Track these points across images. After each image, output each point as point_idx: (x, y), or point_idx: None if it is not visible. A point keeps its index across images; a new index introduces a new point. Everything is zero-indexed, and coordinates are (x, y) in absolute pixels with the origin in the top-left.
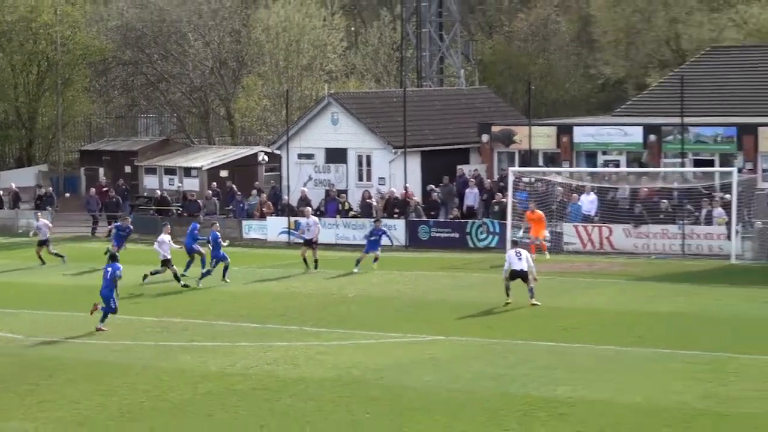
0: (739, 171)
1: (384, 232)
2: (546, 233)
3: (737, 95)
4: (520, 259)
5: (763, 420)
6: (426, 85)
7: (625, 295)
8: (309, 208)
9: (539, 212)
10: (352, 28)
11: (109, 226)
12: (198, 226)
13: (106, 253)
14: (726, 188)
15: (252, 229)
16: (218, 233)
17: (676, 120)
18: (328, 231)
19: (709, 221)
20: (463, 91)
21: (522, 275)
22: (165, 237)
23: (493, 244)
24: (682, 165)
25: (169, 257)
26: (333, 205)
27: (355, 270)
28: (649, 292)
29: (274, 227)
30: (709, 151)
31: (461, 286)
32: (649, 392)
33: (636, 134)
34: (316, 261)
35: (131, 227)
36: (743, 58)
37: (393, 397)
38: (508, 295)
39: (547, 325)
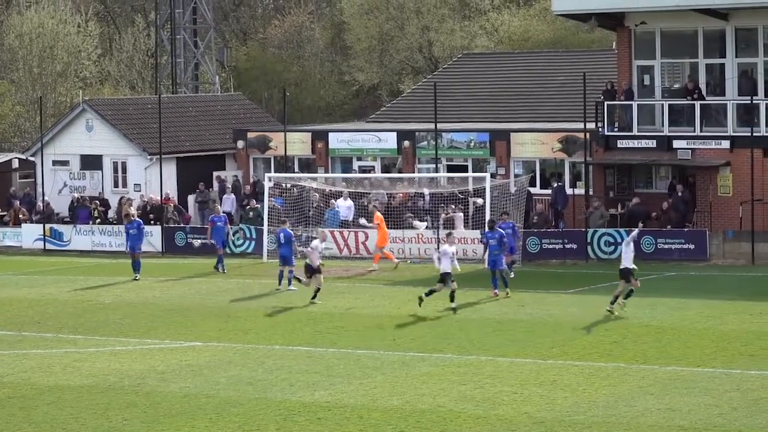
0: (492, 176)
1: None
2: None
3: (490, 101)
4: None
5: (519, 421)
6: (181, 91)
7: (380, 299)
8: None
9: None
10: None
11: None
12: None
13: None
14: (479, 193)
15: (6, 236)
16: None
17: (430, 126)
18: (84, 237)
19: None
20: (219, 97)
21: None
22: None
23: (250, 250)
24: (436, 170)
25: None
26: (85, 212)
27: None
28: (404, 296)
29: (29, 234)
30: (462, 156)
31: (218, 292)
32: (406, 395)
33: (390, 140)
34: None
35: None
36: (495, 64)
37: (151, 403)
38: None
39: (304, 329)
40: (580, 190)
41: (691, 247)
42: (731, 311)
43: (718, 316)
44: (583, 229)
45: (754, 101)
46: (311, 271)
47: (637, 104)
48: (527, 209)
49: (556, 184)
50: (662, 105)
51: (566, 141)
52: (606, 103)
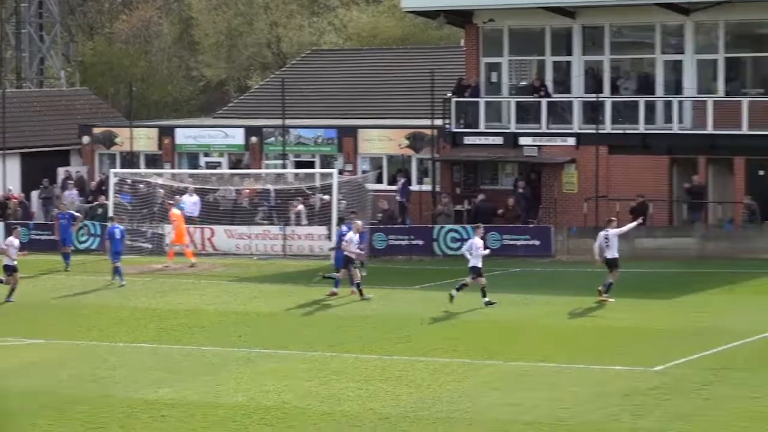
0: (340, 172)
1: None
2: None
3: (338, 98)
4: None
5: (364, 417)
6: (26, 86)
7: (226, 295)
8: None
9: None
10: None
11: None
12: None
13: None
14: (326, 189)
15: None
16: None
17: (278, 122)
18: None
19: (299, 222)
20: (64, 92)
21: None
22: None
23: (93, 246)
24: (284, 166)
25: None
26: None
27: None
28: (250, 293)
29: None
30: (310, 152)
31: (60, 288)
32: (251, 392)
33: (237, 136)
34: None
35: None
36: (343, 61)
37: None
38: None
39: (149, 326)
40: (427, 187)
41: (536, 243)
42: (575, 307)
43: (563, 311)
44: (430, 226)
45: (599, 99)
46: (347, 262)
47: (485, 101)
48: (368, 206)
49: (402, 180)
50: (509, 102)
51: (413, 137)
52: (453, 99)
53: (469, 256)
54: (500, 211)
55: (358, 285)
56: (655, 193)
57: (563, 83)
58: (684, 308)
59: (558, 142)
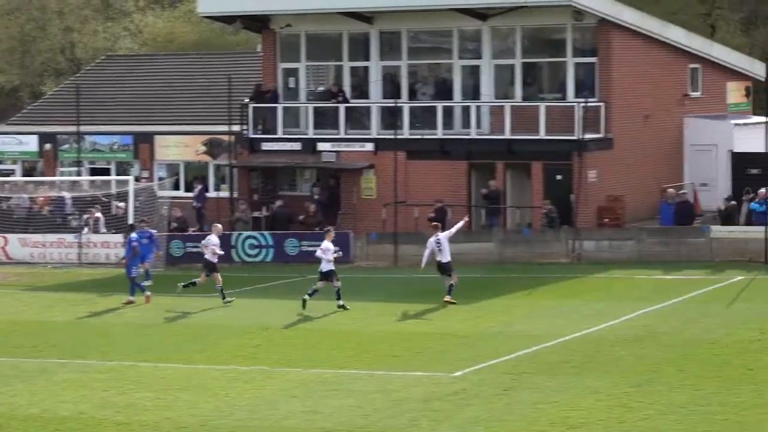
0: (136, 179)
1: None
2: None
3: (134, 104)
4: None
5: (162, 427)
6: None
7: (20, 304)
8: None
9: None
10: None
11: None
12: None
13: None
14: (123, 196)
15: None
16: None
17: (72, 128)
18: None
19: (96, 230)
20: None
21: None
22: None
23: None
24: (79, 173)
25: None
26: None
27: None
28: (45, 301)
29: None
30: (105, 159)
31: None
32: (46, 403)
33: (31, 143)
34: None
35: None
36: (139, 66)
37: None
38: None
39: None
40: (224, 193)
41: None
42: (376, 313)
43: (363, 318)
44: (228, 233)
45: (397, 104)
46: (210, 268)
47: (282, 107)
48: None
49: (199, 187)
50: (307, 108)
51: (210, 143)
52: (251, 105)
53: (322, 257)
54: (302, 218)
55: (221, 290)
56: (453, 199)
57: (361, 89)
58: (484, 313)
59: (356, 147)
